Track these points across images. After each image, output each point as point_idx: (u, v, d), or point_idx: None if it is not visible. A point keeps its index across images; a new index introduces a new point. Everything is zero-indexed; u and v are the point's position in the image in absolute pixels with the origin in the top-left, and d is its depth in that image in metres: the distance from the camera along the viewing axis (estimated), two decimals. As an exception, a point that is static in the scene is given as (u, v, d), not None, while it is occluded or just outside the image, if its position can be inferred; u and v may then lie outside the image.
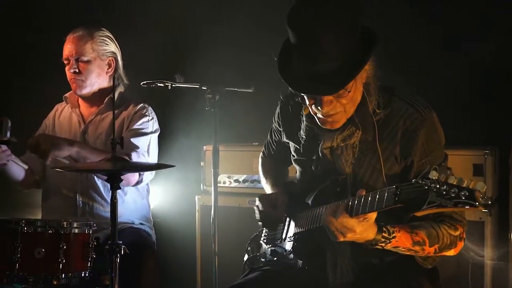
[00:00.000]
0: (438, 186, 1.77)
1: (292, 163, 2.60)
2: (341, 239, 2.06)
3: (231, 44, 3.99)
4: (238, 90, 3.22)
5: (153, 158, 3.23)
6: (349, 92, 2.13)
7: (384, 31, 2.26)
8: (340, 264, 2.28)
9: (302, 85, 2.15)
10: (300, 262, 2.40)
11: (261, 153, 2.87)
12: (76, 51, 3.22)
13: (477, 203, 1.73)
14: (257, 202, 2.58)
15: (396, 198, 1.90)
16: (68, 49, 3.25)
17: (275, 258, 2.54)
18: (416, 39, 3.67)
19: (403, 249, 2.15)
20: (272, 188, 2.72)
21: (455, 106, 3.48)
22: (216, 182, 3.12)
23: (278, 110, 2.60)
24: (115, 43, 3.35)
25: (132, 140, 3.15)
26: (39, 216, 3.39)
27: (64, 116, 3.42)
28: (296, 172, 2.59)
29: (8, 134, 2.85)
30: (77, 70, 3.22)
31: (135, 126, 3.21)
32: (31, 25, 4.54)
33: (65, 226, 2.62)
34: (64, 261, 2.57)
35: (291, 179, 2.75)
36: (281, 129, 2.59)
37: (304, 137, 2.41)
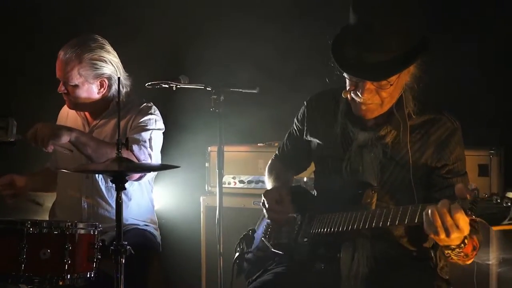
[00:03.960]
0: None
1: (301, 169, 2.71)
2: (442, 236, 2.00)
3: (237, 45, 3.99)
4: (243, 90, 3.22)
5: (156, 154, 3.21)
6: (391, 85, 2.22)
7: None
8: (356, 259, 2.30)
9: (350, 67, 2.23)
10: (317, 264, 2.40)
11: (274, 155, 2.90)
12: (63, 76, 3.14)
13: None
14: (262, 199, 2.59)
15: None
16: (57, 70, 3.17)
17: (281, 252, 2.54)
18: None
19: (462, 254, 2.14)
20: (274, 182, 2.76)
21: (460, 106, 3.47)
22: (221, 183, 3.12)
23: (303, 109, 2.66)
24: (109, 62, 3.19)
25: (133, 135, 3.14)
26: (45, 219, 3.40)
27: (72, 115, 3.42)
28: (316, 172, 2.62)
29: (14, 135, 2.86)
30: (65, 91, 3.18)
31: (137, 123, 3.20)
32: (36, 27, 4.55)
33: (70, 227, 2.62)
34: (69, 262, 2.57)
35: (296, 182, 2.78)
36: (303, 128, 2.63)
37: (339, 134, 2.46)
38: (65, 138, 2.92)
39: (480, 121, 3.45)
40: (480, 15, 3.53)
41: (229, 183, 3.75)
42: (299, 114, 2.68)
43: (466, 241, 2.08)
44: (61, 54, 3.15)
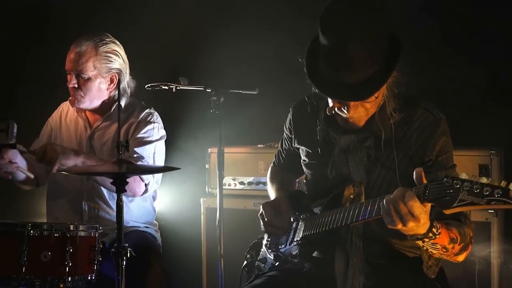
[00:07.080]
0: (470, 185, 1.82)
1: (300, 174, 2.65)
2: (399, 226, 1.97)
3: (236, 46, 3.99)
4: (243, 92, 3.22)
5: (159, 165, 3.21)
6: (376, 98, 2.22)
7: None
8: (351, 266, 2.27)
9: (333, 91, 2.20)
10: (307, 264, 2.39)
11: (272, 162, 2.87)
12: (77, 67, 3.12)
13: None
14: (261, 210, 2.54)
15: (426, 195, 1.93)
16: (69, 62, 3.15)
17: (277, 263, 2.52)
18: (422, 38, 3.66)
19: (438, 247, 2.10)
20: (276, 192, 2.70)
21: (461, 107, 3.48)
22: (221, 184, 3.12)
23: (289, 117, 2.63)
24: (120, 57, 3.22)
25: (136, 149, 3.12)
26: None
27: (71, 118, 3.39)
28: (306, 177, 2.60)
29: (14, 138, 2.86)
30: (76, 86, 3.16)
31: (140, 135, 3.19)
32: (37, 28, 4.55)
33: (71, 229, 2.62)
34: (70, 264, 2.57)
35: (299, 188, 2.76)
36: (292, 136, 2.62)
37: (320, 140, 2.44)
38: (71, 162, 2.96)
39: (481, 121, 3.45)
40: (481, 15, 3.52)
41: (229, 185, 3.74)
42: (287, 121, 2.64)
43: (434, 230, 2.02)
44: (75, 46, 3.16)
